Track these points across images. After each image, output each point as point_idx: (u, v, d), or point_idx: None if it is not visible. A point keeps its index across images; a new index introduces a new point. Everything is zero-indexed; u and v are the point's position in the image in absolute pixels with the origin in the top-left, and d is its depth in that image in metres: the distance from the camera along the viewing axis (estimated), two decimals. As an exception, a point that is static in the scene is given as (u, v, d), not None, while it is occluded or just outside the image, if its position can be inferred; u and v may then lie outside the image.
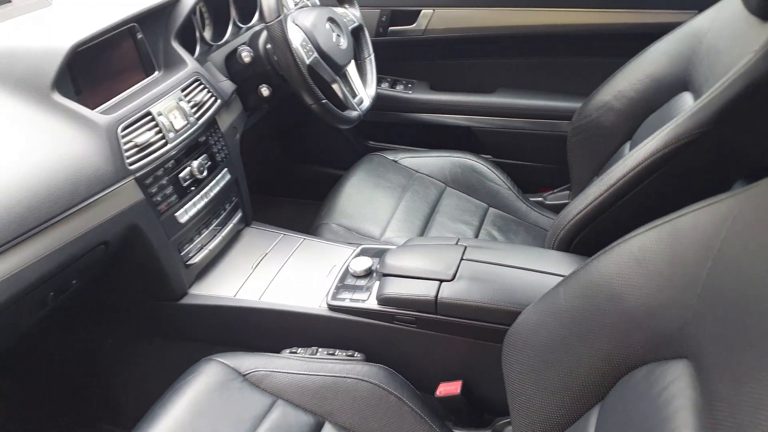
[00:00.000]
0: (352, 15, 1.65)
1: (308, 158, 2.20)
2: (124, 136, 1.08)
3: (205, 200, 1.27)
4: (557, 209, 1.54)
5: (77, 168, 1.00)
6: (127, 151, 1.08)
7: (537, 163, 1.88)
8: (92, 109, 1.07)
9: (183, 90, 1.23)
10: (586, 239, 1.09)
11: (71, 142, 1.02)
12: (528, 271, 1.07)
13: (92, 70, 1.13)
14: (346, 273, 1.23)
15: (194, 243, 1.28)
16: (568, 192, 1.71)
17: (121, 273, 1.24)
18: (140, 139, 1.10)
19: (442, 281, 1.07)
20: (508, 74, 1.92)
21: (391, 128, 2.03)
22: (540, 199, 1.76)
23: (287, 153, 2.20)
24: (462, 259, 1.10)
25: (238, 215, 1.43)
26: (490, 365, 1.02)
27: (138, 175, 1.10)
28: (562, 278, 0.83)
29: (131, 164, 1.08)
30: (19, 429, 1.48)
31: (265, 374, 1.06)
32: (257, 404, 1.02)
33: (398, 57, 1.98)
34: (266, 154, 2.17)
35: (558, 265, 1.07)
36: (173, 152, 1.17)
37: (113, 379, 1.44)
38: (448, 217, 1.57)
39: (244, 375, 1.05)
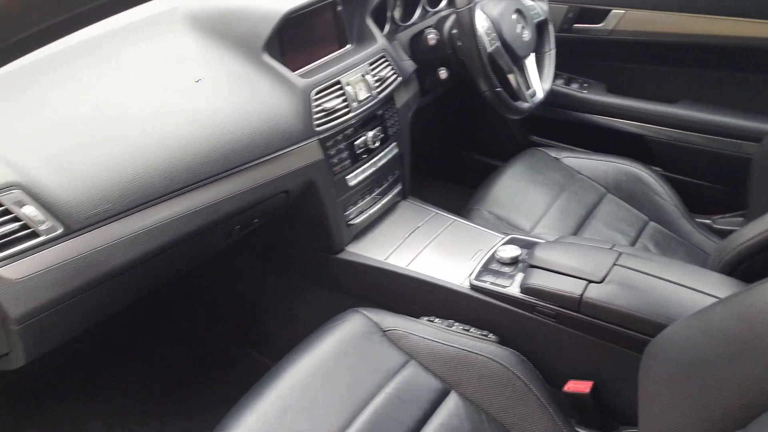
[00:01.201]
0: (539, 8, 1.66)
1: (468, 145, 2.24)
2: (315, 100, 1.20)
3: (373, 169, 1.37)
4: (726, 235, 1.45)
5: (274, 122, 1.14)
6: (316, 114, 1.20)
7: (711, 183, 1.76)
8: (293, 71, 1.21)
9: (371, 64, 1.33)
10: (755, 266, 1.03)
11: (272, 99, 1.16)
12: (682, 287, 1.04)
13: (296, 37, 1.26)
14: (492, 258, 1.27)
15: (357, 206, 1.40)
16: (741, 219, 1.59)
17: (293, 222, 1.38)
18: (328, 105, 1.22)
19: (590, 281, 1.07)
20: (693, 85, 1.81)
21: (557, 125, 2.00)
22: (708, 221, 1.65)
23: (448, 137, 2.26)
24: (615, 264, 1.09)
25: (398, 188, 1.52)
26: (623, 372, 1.01)
27: (322, 136, 1.22)
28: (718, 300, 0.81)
29: (318, 126, 1.20)
30: (184, 349, 1.71)
31: (403, 334, 1.13)
32: (392, 360, 1.10)
33: (578, 55, 1.94)
34: (430, 135, 2.25)
35: (717, 286, 1.02)
36: (353, 121, 1.28)
37: (269, 315, 1.62)
38: (603, 223, 1.54)
39: (384, 331, 1.14)
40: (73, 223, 0.87)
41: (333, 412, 1.01)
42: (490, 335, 1.18)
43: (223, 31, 1.19)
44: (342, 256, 1.37)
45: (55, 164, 0.88)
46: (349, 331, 1.13)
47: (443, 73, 1.55)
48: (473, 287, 1.21)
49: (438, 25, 1.56)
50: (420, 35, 1.57)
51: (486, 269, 1.24)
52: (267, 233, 1.41)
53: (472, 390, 1.07)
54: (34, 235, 0.84)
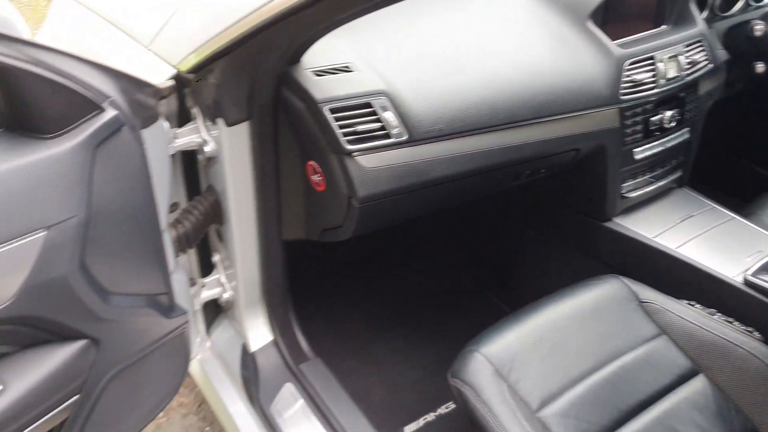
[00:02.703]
0: None
1: (745, 152, 2.08)
2: (627, 70, 1.26)
3: (662, 148, 1.39)
4: None
5: (586, 83, 1.23)
6: (624, 83, 1.26)
7: None
8: (612, 41, 1.28)
9: (686, 46, 1.34)
10: None
11: (588, 62, 1.25)
12: None
13: (619, 10, 1.33)
14: None
15: (635, 181, 1.43)
16: None
17: (570, 182, 1.47)
18: (638, 77, 1.27)
19: None
20: None
21: None
22: None
23: (724, 139, 2.12)
24: None
25: (678, 174, 1.51)
26: None
27: (623, 105, 1.28)
28: None
29: (623, 95, 1.27)
30: (431, 281, 1.90)
31: (659, 309, 1.17)
32: (643, 329, 1.14)
33: None
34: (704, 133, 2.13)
35: None
36: (655, 97, 1.31)
37: (517, 265, 1.74)
38: None
39: (641, 301, 1.18)
40: (415, 134, 1.07)
41: (583, 354, 1.10)
42: (755, 333, 1.15)
43: None
44: (609, 225, 1.43)
45: (413, 84, 1.09)
46: (607, 292, 1.20)
47: (761, 67, 1.48)
48: (748, 283, 1.19)
49: (767, 17, 1.48)
50: (742, 26, 1.51)
51: (766, 269, 1.20)
52: (542, 188, 1.51)
53: (725, 379, 1.08)
54: (387, 136, 1.05)
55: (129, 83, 0.95)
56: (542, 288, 1.27)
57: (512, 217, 1.72)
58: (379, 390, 1.45)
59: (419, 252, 1.97)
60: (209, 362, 1.49)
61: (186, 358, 1.22)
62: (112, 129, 0.89)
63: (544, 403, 1.05)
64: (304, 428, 1.24)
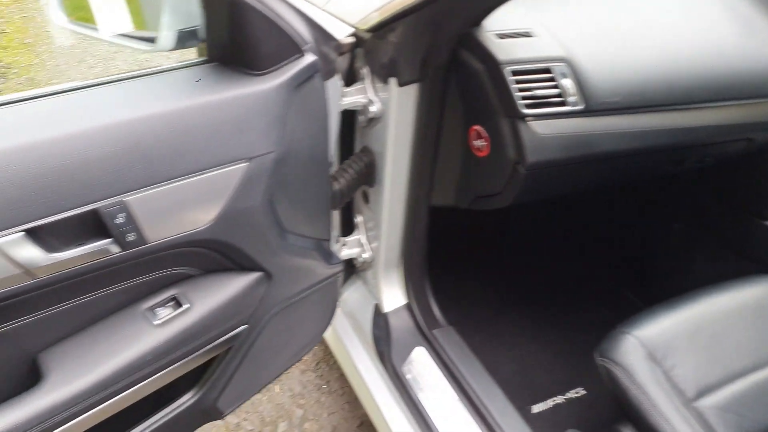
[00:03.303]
0: None
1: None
2: None
3: None
4: None
5: None
6: None
7: None
8: None
9: None
10: None
11: None
12: None
13: None
14: None
15: None
16: None
17: (736, 174, 1.40)
18: None
19: None
20: None
21: None
22: None
23: None
24: None
25: None
26: None
27: None
28: None
29: None
30: (568, 267, 1.87)
31: None
32: None
33: None
34: None
35: None
36: None
37: (659, 260, 1.67)
38: None
39: None
40: (591, 104, 1.05)
41: (744, 350, 1.05)
42: None
43: None
44: (772, 225, 1.35)
45: (592, 54, 1.07)
46: (759, 293, 1.14)
47: None
48: None
49: None
50: None
51: None
52: (700, 177, 1.45)
53: None
54: (562, 104, 1.05)
55: (320, 34, 1.00)
56: (682, 286, 1.22)
57: (659, 207, 1.66)
58: (506, 366, 1.45)
59: (556, 234, 1.94)
60: (339, 319, 1.54)
61: (334, 306, 1.26)
62: (309, 73, 0.94)
63: (701, 393, 1.02)
64: (437, 391, 1.26)
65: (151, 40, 0.96)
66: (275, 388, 1.75)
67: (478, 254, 1.84)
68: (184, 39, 0.96)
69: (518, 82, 1.02)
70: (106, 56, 3.70)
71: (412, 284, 1.40)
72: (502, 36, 1.06)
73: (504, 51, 1.03)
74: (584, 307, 1.67)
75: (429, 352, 1.33)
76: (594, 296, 1.72)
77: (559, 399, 1.39)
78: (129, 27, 0.98)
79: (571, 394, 1.40)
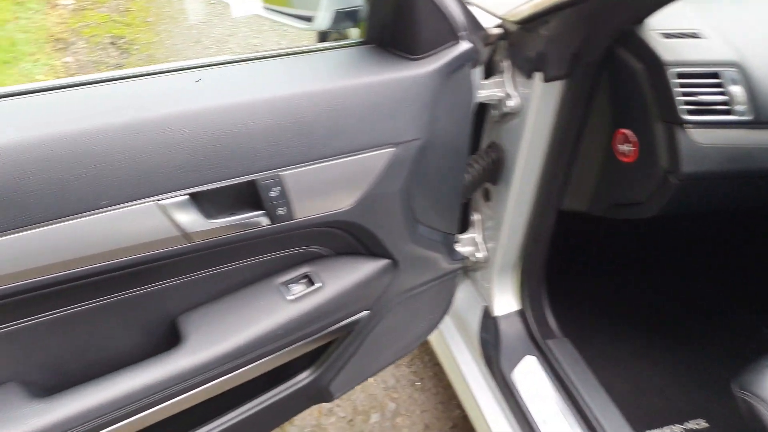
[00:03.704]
0: None
1: None
2: None
3: None
4: None
5: None
6: None
7: None
8: None
9: None
10: None
11: None
12: None
13: None
14: None
15: None
16: None
17: None
18: None
19: None
20: None
21: None
22: None
23: None
24: None
25: None
26: None
27: None
28: None
29: None
30: (694, 290, 1.74)
31: None
32: None
33: None
34: None
35: None
36: None
37: None
38: None
39: None
40: (762, 115, 0.97)
41: None
42: None
43: None
44: None
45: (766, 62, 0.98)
46: None
47: None
48: None
49: None
50: None
51: None
52: None
53: None
54: (728, 112, 0.96)
55: (472, 23, 0.97)
56: None
57: None
58: (620, 385, 1.37)
59: (692, 253, 1.82)
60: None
61: (450, 302, 1.24)
62: (462, 61, 0.91)
63: None
64: (548, 403, 1.20)
65: (308, 19, 0.97)
66: (370, 378, 1.74)
67: (601, 264, 1.75)
68: (340, 20, 0.96)
69: (682, 85, 0.95)
70: (221, 39, 3.84)
71: (527, 290, 1.35)
72: (668, 35, 0.99)
73: (669, 51, 0.97)
74: (712, 336, 1.55)
75: (541, 362, 1.28)
76: (725, 326, 1.59)
77: (676, 428, 1.30)
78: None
79: (691, 424, 1.30)
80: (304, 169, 0.80)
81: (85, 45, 3.70)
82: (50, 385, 0.79)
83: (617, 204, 1.15)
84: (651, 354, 1.46)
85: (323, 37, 1.15)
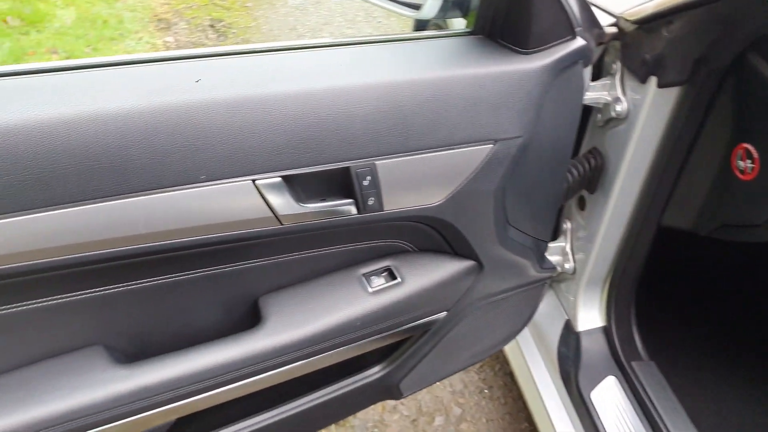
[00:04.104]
0: None
1: None
2: None
3: None
4: None
5: None
6: None
7: None
8: None
9: None
10: None
11: None
12: None
13: None
14: None
15: None
16: None
17: None
18: None
19: None
20: None
21: None
22: None
23: None
24: None
25: None
26: None
27: None
28: None
29: None
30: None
31: None
32: None
33: None
34: None
35: None
36: None
37: None
38: None
39: None
40: None
41: None
42: None
43: None
44: None
45: None
46: None
47: None
48: None
49: None
50: None
51: None
52: None
53: None
54: None
55: (589, 19, 0.91)
56: None
57: None
58: (707, 419, 1.27)
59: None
60: (522, 327, 1.45)
61: (532, 312, 1.18)
62: (575, 59, 0.86)
63: None
64: (627, 428, 1.13)
65: (416, 7, 0.94)
66: (436, 379, 1.71)
67: (698, 287, 1.63)
68: (447, 9, 0.93)
69: None
70: (315, 27, 3.89)
71: (615, 307, 1.27)
72: None
73: None
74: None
75: (622, 385, 1.20)
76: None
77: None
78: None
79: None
80: (399, 159, 0.77)
81: (186, 26, 3.85)
82: (131, 352, 0.81)
83: (727, 225, 1.05)
84: (746, 389, 1.35)
85: (421, 26, 1.12)
